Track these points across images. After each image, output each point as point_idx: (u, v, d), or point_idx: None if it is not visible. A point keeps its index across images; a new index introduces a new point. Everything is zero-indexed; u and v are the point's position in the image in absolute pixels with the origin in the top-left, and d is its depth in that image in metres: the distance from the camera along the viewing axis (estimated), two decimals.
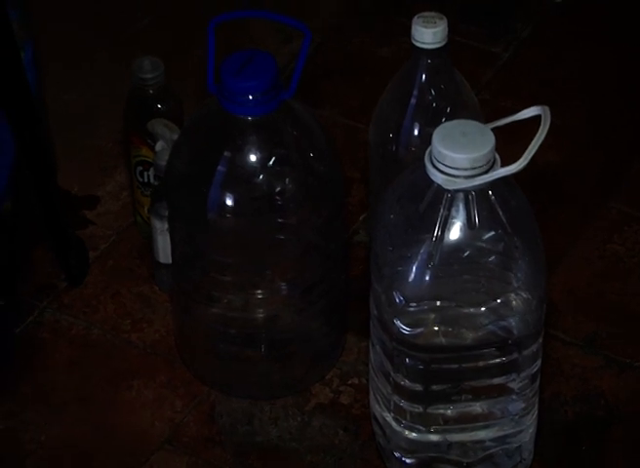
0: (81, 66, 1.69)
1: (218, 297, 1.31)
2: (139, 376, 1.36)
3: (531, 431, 1.23)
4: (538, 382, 1.21)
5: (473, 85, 1.60)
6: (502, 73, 1.66)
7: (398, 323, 1.14)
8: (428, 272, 1.11)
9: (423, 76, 1.23)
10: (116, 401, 1.35)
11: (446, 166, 1.07)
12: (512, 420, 1.20)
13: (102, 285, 1.45)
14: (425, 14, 1.21)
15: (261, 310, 1.33)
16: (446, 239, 1.10)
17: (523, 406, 1.20)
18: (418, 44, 1.22)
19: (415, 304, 1.13)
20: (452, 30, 1.67)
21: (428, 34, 1.21)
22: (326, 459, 1.28)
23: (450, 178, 1.07)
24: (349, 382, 1.34)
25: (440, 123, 1.16)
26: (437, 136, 1.08)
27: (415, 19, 1.22)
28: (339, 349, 1.36)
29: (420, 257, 1.10)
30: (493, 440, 1.21)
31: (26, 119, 1.34)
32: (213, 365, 1.34)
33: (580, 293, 1.42)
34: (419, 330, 1.15)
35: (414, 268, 1.11)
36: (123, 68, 1.53)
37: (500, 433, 1.21)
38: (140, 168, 1.40)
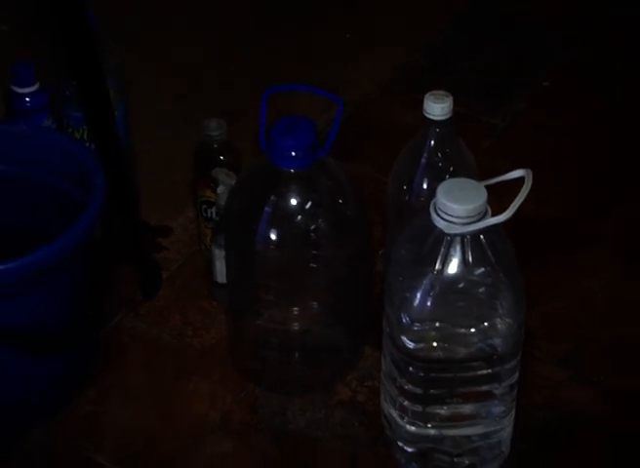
0: (162, 124, 1.69)
1: (262, 313, 1.33)
2: (197, 374, 1.37)
3: (509, 429, 1.25)
4: (515, 391, 1.22)
5: (475, 150, 1.60)
6: (499, 140, 1.67)
7: (404, 339, 1.16)
8: (430, 299, 1.13)
9: (432, 142, 1.26)
10: (179, 393, 1.36)
11: (447, 214, 1.09)
12: (494, 420, 1.22)
13: (172, 299, 1.46)
14: (435, 92, 1.24)
15: (297, 324, 1.35)
16: (445, 273, 1.12)
17: (503, 409, 1.21)
18: (428, 116, 1.24)
19: (418, 324, 1.15)
20: (459, 104, 1.69)
21: (437, 108, 1.23)
22: (344, 446, 1.29)
23: (449, 225, 1.09)
24: (365, 384, 1.35)
25: (444, 179, 1.18)
26: (441, 190, 1.10)
27: (427, 96, 1.24)
28: (358, 357, 1.37)
29: (423, 287, 1.13)
30: (478, 435, 1.23)
31: (117, 165, 1.36)
32: (256, 366, 1.36)
33: (554, 320, 1.42)
34: (420, 345, 1.16)
35: (418, 295, 1.13)
36: (195, 126, 1.54)
37: (484, 430, 1.22)
38: (205, 206, 1.42)
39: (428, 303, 1.13)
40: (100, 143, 1.36)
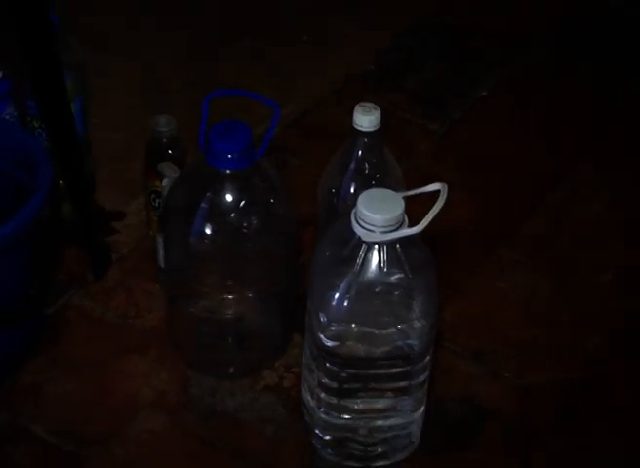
0: (129, 117, 1.60)
1: (197, 300, 1.25)
2: (137, 352, 1.29)
3: (419, 421, 1.17)
4: (426, 387, 1.15)
5: (414, 152, 1.55)
6: (436, 145, 1.59)
7: (322, 336, 1.08)
8: (346, 301, 1.05)
9: (360, 151, 1.18)
10: (117, 369, 1.28)
11: (365, 223, 1.02)
12: (405, 413, 1.15)
13: (119, 280, 1.38)
14: (364, 104, 1.15)
15: (231, 311, 1.27)
16: (361, 277, 1.04)
17: (414, 403, 1.14)
18: (357, 127, 1.16)
19: (335, 324, 1.07)
20: (402, 109, 1.62)
21: (365, 120, 1.15)
22: (267, 428, 1.21)
23: (367, 233, 1.02)
24: (291, 370, 1.27)
25: (370, 185, 1.13)
26: (361, 199, 1.03)
27: (356, 108, 1.16)
28: (286, 344, 1.30)
29: (340, 289, 1.05)
30: (390, 427, 1.15)
31: (70, 155, 1.29)
32: (190, 348, 1.29)
33: (470, 317, 1.35)
34: (337, 343, 1.08)
35: (336, 297, 1.05)
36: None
37: (396, 422, 1.15)
38: (154, 195, 1.34)
39: (345, 305, 1.05)
40: (52, 134, 1.28)
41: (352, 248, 1.04)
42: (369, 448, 1.16)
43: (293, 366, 1.27)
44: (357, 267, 1.03)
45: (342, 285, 1.04)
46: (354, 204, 1.09)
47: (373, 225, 1.01)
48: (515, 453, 1.20)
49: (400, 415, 1.14)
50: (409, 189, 1.38)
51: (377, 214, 1.01)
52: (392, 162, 1.20)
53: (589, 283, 1.39)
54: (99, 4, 1.83)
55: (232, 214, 1.16)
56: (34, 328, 1.26)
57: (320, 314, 1.07)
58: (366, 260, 1.03)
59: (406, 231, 1.01)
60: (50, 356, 1.28)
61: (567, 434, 1.21)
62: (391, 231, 1.02)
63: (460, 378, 1.27)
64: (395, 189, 1.17)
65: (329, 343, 1.08)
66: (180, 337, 1.29)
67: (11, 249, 1.12)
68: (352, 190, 1.18)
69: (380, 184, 1.16)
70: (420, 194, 1.05)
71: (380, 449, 1.17)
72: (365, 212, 1.01)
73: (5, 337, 1.19)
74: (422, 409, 1.16)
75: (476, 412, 1.24)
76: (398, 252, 1.03)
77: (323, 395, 1.12)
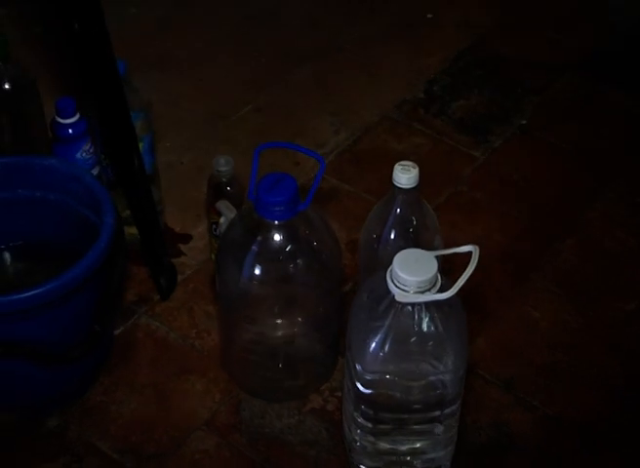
0: (200, 141, 1.52)
1: (249, 326, 1.15)
2: (195, 372, 1.20)
3: (449, 455, 1.07)
4: (456, 427, 1.05)
5: (456, 178, 1.42)
6: (478, 171, 1.47)
7: (358, 384, 0.98)
8: (380, 354, 0.95)
9: (399, 206, 1.06)
10: (177, 388, 1.19)
11: (400, 284, 0.91)
12: (437, 449, 1.05)
13: (183, 301, 1.29)
14: (404, 162, 1.04)
15: (281, 336, 1.17)
16: (395, 333, 0.94)
17: (444, 442, 1.05)
18: (396, 184, 1.04)
19: (370, 374, 0.97)
20: (447, 136, 1.50)
21: (404, 179, 1.04)
22: (310, 451, 1.12)
23: (402, 293, 0.91)
24: (335, 394, 1.17)
25: (408, 233, 1.06)
26: (397, 260, 0.93)
27: (395, 166, 1.05)
28: (332, 368, 1.20)
29: (375, 343, 0.95)
30: (422, 462, 1.06)
31: (138, 189, 1.21)
32: (243, 371, 1.19)
33: (502, 345, 1.23)
34: (372, 390, 0.98)
35: (370, 350, 0.95)
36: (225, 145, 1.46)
37: (428, 457, 1.05)
38: (214, 226, 1.25)
39: (379, 358, 0.95)
40: (119, 171, 1.21)
41: (387, 305, 0.93)
42: None
43: (337, 390, 1.17)
44: (389, 324, 0.93)
45: (377, 339, 0.94)
46: (393, 249, 1.00)
47: (407, 286, 0.91)
48: None
49: (430, 451, 1.04)
50: (449, 215, 1.30)
51: (411, 275, 0.91)
52: (429, 212, 1.09)
53: (615, 312, 1.26)
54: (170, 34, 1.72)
55: (279, 258, 1.06)
56: (100, 358, 1.18)
57: (356, 364, 0.97)
58: (399, 318, 0.93)
59: (437, 296, 0.91)
60: (117, 376, 1.20)
61: (589, 465, 1.10)
62: (424, 291, 0.91)
63: (492, 406, 1.16)
64: (432, 238, 1.07)
65: (364, 390, 0.98)
66: (232, 361, 1.19)
67: (81, 288, 1.03)
68: (392, 237, 1.07)
69: (418, 233, 1.07)
70: (452, 253, 0.94)
71: None
72: (400, 273, 0.91)
73: (72, 369, 1.10)
74: (453, 441, 1.06)
75: (505, 441, 1.13)
76: (431, 309, 0.93)
77: (359, 431, 1.03)
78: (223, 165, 1.21)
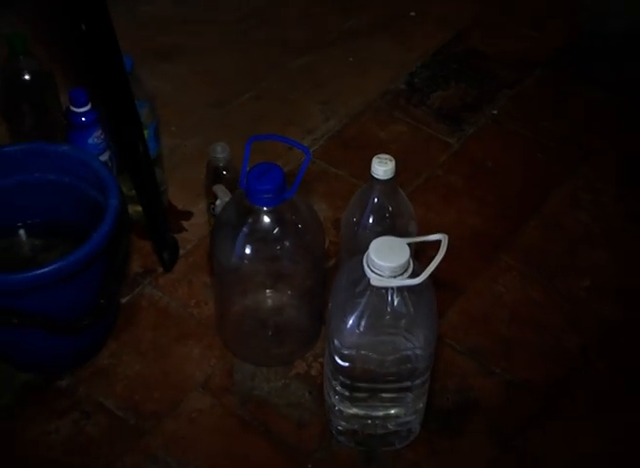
0: (199, 123, 1.48)
1: (242, 297, 1.13)
2: (192, 338, 1.17)
3: (418, 418, 1.05)
4: (425, 394, 1.02)
5: (433, 163, 1.39)
6: (453, 157, 1.42)
7: (335, 357, 0.96)
8: (356, 332, 0.92)
9: (377, 195, 1.03)
10: (176, 353, 1.16)
11: (375, 268, 0.88)
12: (407, 413, 1.02)
13: (184, 273, 1.25)
14: (381, 155, 1.01)
15: (272, 308, 1.15)
16: (369, 313, 0.91)
17: (413, 407, 1.02)
18: (374, 175, 1.00)
19: (346, 349, 0.94)
20: (426, 124, 1.46)
21: (381, 171, 1.00)
22: (294, 412, 1.09)
23: (376, 277, 0.88)
24: (319, 360, 1.14)
25: (385, 218, 1.03)
26: (372, 247, 0.90)
27: (374, 159, 1.01)
28: (316, 338, 1.17)
29: (351, 321, 0.91)
30: (393, 424, 1.03)
31: (143, 173, 1.17)
32: (236, 338, 1.16)
33: (470, 318, 1.20)
34: (348, 363, 0.95)
35: (347, 327, 0.92)
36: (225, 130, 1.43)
37: (399, 421, 1.03)
38: (212, 206, 1.20)
39: (354, 335, 0.92)
40: (125, 157, 1.16)
41: (363, 287, 0.90)
42: (375, 438, 1.04)
43: (320, 356, 1.14)
44: (365, 304, 0.90)
45: (353, 317, 0.91)
46: (371, 233, 0.99)
47: (381, 271, 0.88)
48: (499, 441, 1.07)
49: (402, 416, 1.02)
50: (426, 197, 1.26)
51: (385, 261, 0.88)
52: (404, 200, 1.05)
53: (573, 288, 1.23)
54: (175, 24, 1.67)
55: (267, 239, 1.03)
56: (107, 327, 1.15)
57: (335, 339, 0.94)
58: (374, 298, 0.90)
59: (408, 281, 0.88)
60: (123, 340, 1.17)
61: (546, 426, 1.08)
62: (396, 276, 0.88)
63: (458, 373, 1.14)
64: (407, 224, 1.04)
65: (342, 363, 0.95)
66: (227, 329, 1.16)
67: (88, 267, 1.00)
68: (370, 222, 1.04)
69: (394, 219, 1.03)
70: (423, 241, 0.91)
71: (384, 439, 1.04)
72: (375, 259, 0.88)
73: (81, 337, 1.07)
74: (422, 407, 1.03)
75: (469, 404, 1.10)
76: (402, 291, 0.90)
77: (337, 397, 1.00)
78: (220, 152, 1.17)
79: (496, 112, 1.49)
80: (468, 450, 1.06)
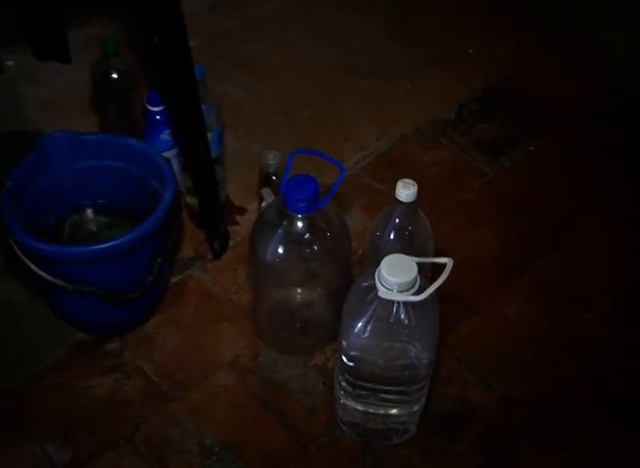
0: (265, 130, 1.48)
1: (276, 291, 1.14)
2: (228, 321, 1.18)
3: (415, 418, 1.04)
4: (423, 398, 1.01)
5: (468, 189, 1.37)
6: (486, 185, 1.40)
7: (342, 356, 0.96)
8: (361, 337, 0.91)
9: (399, 216, 1.02)
10: (211, 332, 1.17)
11: (384, 282, 0.88)
12: (404, 413, 1.01)
13: (230, 262, 1.26)
14: (406, 180, 0.99)
15: (302, 303, 1.15)
16: (375, 321, 0.90)
17: (410, 408, 1.01)
18: (398, 197, 0.99)
19: (352, 351, 0.94)
20: (466, 153, 1.44)
21: (404, 194, 0.99)
22: (307, 399, 1.09)
23: (384, 290, 0.88)
24: (336, 355, 1.10)
25: (404, 238, 1.01)
26: (384, 263, 0.90)
27: (398, 183, 1.00)
28: (337, 334, 1.12)
29: (358, 326, 0.91)
30: (392, 421, 1.02)
31: (204, 170, 1.18)
32: (265, 326, 1.16)
33: (479, 335, 1.18)
34: (354, 364, 0.95)
35: (354, 331, 0.92)
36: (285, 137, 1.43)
37: (397, 419, 1.02)
38: (260, 205, 1.19)
39: (360, 339, 0.92)
40: (187, 156, 1.18)
41: (373, 297, 0.90)
42: (375, 432, 1.03)
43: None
44: (372, 313, 0.90)
45: (360, 323, 0.91)
46: (390, 248, 0.99)
47: (389, 285, 0.87)
48: (489, 450, 1.05)
49: (399, 415, 1.01)
50: (456, 219, 1.26)
51: (393, 277, 0.87)
52: (424, 222, 1.04)
53: (577, 319, 1.20)
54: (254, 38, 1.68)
55: (299, 242, 1.03)
56: (151, 301, 1.16)
57: (343, 340, 0.94)
58: (381, 308, 0.90)
59: (411, 297, 0.87)
60: (168, 315, 1.18)
61: (534, 441, 1.06)
62: (403, 291, 0.87)
63: (459, 383, 1.12)
64: (424, 243, 1.03)
65: (347, 363, 0.95)
66: (259, 317, 1.17)
67: (138, 248, 1.02)
68: (391, 237, 1.03)
69: (412, 238, 1.02)
70: (430, 263, 0.90)
71: (382, 433, 1.04)
72: (384, 274, 0.87)
73: (130, 308, 1.10)
74: (419, 408, 1.02)
75: (465, 413, 1.09)
76: (407, 304, 0.89)
77: (342, 392, 1.00)
78: (271, 159, 1.17)
79: (532, 149, 1.45)
80: (459, 455, 1.05)
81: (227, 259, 1.26)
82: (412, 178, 1.01)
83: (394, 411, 0.99)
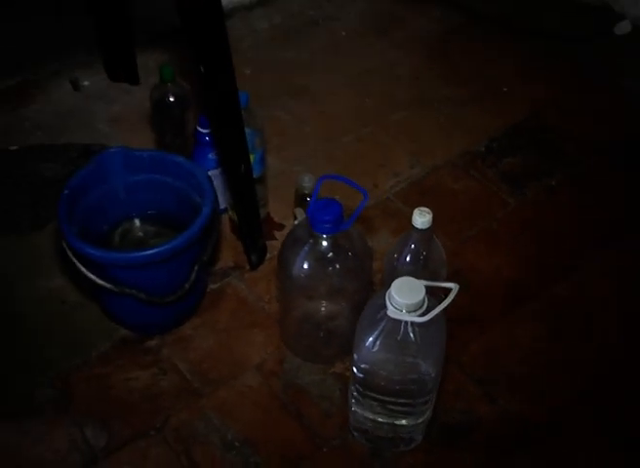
0: (307, 153, 1.48)
1: (302, 303, 1.13)
2: (259, 327, 1.18)
3: (421, 428, 1.02)
4: (429, 410, 1.00)
5: (491, 217, 1.34)
6: (509, 215, 1.37)
7: (353, 368, 0.95)
8: (371, 351, 0.90)
9: (414, 242, 1.02)
10: (243, 337, 1.17)
11: (393, 303, 0.87)
12: (411, 424, 1.00)
13: (266, 273, 1.26)
14: (422, 208, 0.98)
15: (326, 315, 1.14)
16: (384, 338, 0.90)
17: (416, 418, 1.00)
18: (414, 224, 0.98)
19: (362, 364, 0.93)
20: (493, 183, 1.41)
21: (419, 222, 0.98)
22: (323, 403, 1.09)
23: (393, 310, 0.87)
24: None
25: (419, 262, 0.99)
26: (394, 284, 0.89)
27: (415, 211, 0.99)
28: None
29: (369, 341, 0.90)
30: (399, 430, 1.01)
31: (244, 188, 1.18)
32: (291, 335, 1.16)
33: (488, 352, 1.15)
34: (364, 375, 0.94)
35: (364, 345, 0.91)
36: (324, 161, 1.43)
37: (404, 429, 1.00)
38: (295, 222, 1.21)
39: (370, 354, 0.91)
40: (228, 175, 1.18)
41: (383, 314, 0.89)
42: (383, 439, 1.02)
43: None
44: (382, 329, 0.89)
45: (370, 338, 0.90)
46: (406, 270, 0.98)
47: (398, 305, 0.86)
48: (491, 459, 1.03)
49: (406, 425, 1.00)
50: (477, 244, 1.24)
51: (402, 298, 0.86)
52: (438, 247, 1.03)
53: (582, 348, 1.17)
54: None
55: (322, 260, 1.02)
56: (189, 305, 1.17)
57: (355, 353, 0.93)
58: (390, 326, 0.89)
59: (416, 318, 0.85)
60: (205, 318, 1.19)
61: (533, 455, 1.04)
62: (410, 312, 0.86)
63: (466, 397, 1.10)
64: (438, 267, 1.01)
65: (358, 374, 0.94)
66: (286, 326, 1.16)
67: (183, 252, 1.04)
68: (407, 260, 1.02)
69: (427, 262, 1.01)
70: (437, 287, 0.89)
71: (390, 441, 1.02)
72: (394, 295, 0.87)
73: (168, 310, 1.11)
74: (421, 421, 1.00)
75: (470, 425, 1.07)
76: (414, 324, 0.88)
77: (353, 401, 0.99)
78: (306, 181, 1.18)
79: (554, 184, 1.42)
80: (461, 465, 1.03)
81: (263, 271, 1.26)
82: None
83: (401, 422, 0.98)
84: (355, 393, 0.96)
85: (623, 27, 1.71)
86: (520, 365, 1.13)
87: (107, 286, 1.02)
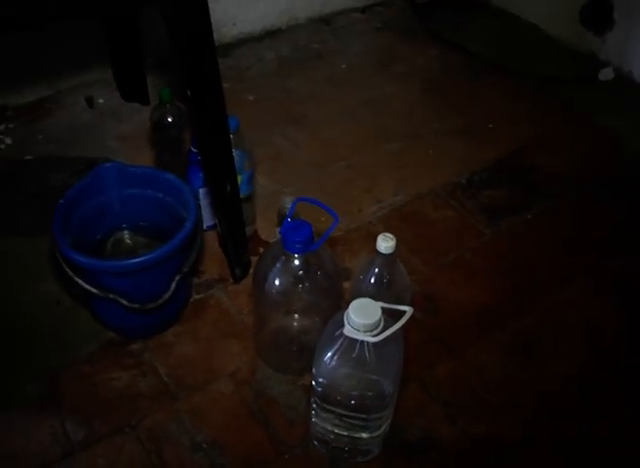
0: (298, 175, 1.48)
1: (276, 318, 1.12)
2: (236, 338, 1.18)
3: (378, 441, 1.01)
4: (385, 425, 0.99)
5: (466, 247, 1.34)
6: (484, 245, 1.36)
7: (313, 382, 0.95)
8: (328, 367, 0.91)
9: (378, 266, 1.01)
10: (221, 346, 1.17)
11: (350, 322, 0.87)
12: (368, 437, 0.99)
13: (248, 287, 1.26)
14: (386, 234, 0.98)
15: (298, 329, 1.13)
16: (341, 354, 0.90)
17: (372, 433, 0.99)
18: (378, 249, 0.98)
19: (320, 378, 0.93)
20: (471, 215, 1.41)
21: (383, 247, 0.98)
22: (289, 413, 1.08)
23: (349, 329, 0.87)
24: None
25: (382, 284, 0.99)
26: (352, 305, 0.89)
27: (379, 236, 0.98)
28: None
29: (326, 357, 0.90)
30: (356, 442, 1.00)
31: (229, 207, 1.18)
32: (265, 347, 1.16)
33: (454, 376, 1.14)
34: (321, 389, 0.94)
35: (322, 360, 0.91)
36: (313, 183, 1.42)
37: (360, 442, 1.00)
38: None
39: (327, 368, 0.91)
40: (214, 195, 1.18)
41: (340, 332, 0.89)
42: (342, 450, 1.01)
43: None
44: (339, 347, 0.89)
45: (328, 354, 0.90)
46: (370, 290, 0.97)
47: (354, 324, 0.86)
48: None
49: (362, 438, 0.99)
50: (451, 273, 1.24)
51: (358, 318, 0.86)
52: (401, 271, 1.02)
53: (549, 375, 1.15)
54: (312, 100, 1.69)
55: (293, 277, 1.02)
56: (170, 313, 1.17)
57: (313, 367, 0.93)
58: (347, 344, 0.89)
59: (369, 338, 0.85)
60: (187, 326, 1.20)
61: None
62: (365, 331, 0.86)
63: (427, 416, 1.09)
64: (400, 290, 1.01)
65: (316, 387, 0.94)
66: (260, 338, 1.16)
67: (165, 262, 1.04)
68: (371, 282, 1.02)
69: (390, 284, 1.01)
70: (395, 309, 0.88)
71: (348, 452, 1.01)
72: (351, 314, 0.87)
73: (149, 316, 1.11)
74: (376, 435, 0.99)
75: (428, 443, 1.06)
76: (369, 344, 0.87)
77: (314, 413, 0.99)
78: (288, 203, 1.17)
79: (529, 217, 1.42)
80: None
81: (246, 285, 1.26)
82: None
83: (360, 435, 0.97)
84: (314, 405, 0.96)
85: (607, 74, 1.71)
86: (483, 389, 1.12)
87: (93, 291, 1.03)
